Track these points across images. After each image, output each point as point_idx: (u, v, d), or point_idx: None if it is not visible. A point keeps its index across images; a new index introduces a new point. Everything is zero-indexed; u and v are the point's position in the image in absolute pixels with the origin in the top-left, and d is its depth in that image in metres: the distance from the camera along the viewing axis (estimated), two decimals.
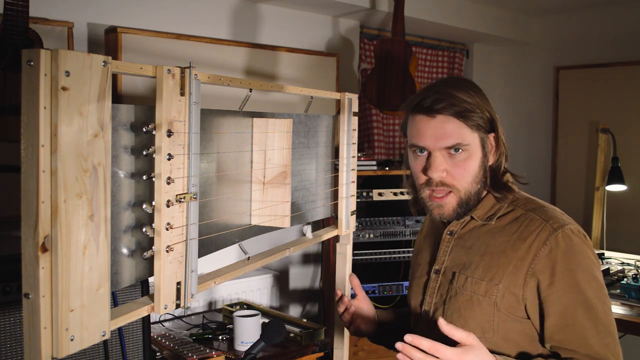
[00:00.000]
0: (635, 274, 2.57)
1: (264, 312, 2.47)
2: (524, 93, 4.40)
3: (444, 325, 1.06)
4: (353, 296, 1.57)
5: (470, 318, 1.23)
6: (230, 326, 2.32)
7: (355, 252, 2.81)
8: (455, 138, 1.22)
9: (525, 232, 1.21)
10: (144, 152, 0.98)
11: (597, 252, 3.19)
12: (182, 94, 1.01)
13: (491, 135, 1.27)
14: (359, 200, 2.84)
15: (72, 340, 0.82)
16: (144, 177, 0.98)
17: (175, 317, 2.55)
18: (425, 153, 1.25)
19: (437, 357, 1.03)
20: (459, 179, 1.24)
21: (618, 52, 3.87)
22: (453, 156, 1.23)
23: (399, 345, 1.04)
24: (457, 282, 1.27)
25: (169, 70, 0.98)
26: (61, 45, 2.25)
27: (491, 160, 1.28)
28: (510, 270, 1.20)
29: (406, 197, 2.93)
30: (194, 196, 1.04)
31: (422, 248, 1.46)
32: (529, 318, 1.20)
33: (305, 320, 2.44)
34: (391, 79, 3.05)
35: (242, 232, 1.32)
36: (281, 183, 1.38)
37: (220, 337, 2.31)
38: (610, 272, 2.80)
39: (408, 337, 1.03)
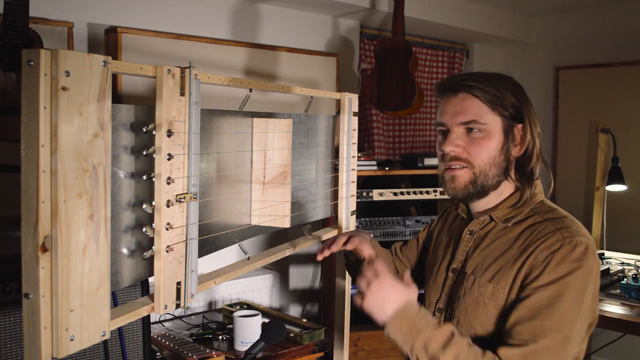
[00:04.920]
0: (635, 274, 2.57)
1: (264, 312, 2.47)
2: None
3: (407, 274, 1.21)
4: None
5: (475, 319, 1.23)
6: (230, 326, 2.32)
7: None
8: (472, 115, 1.23)
9: (536, 237, 1.20)
10: (144, 152, 0.98)
11: (596, 252, 3.20)
12: (182, 94, 1.01)
13: (519, 126, 1.26)
14: (359, 200, 2.84)
15: (72, 340, 0.82)
16: (144, 177, 0.98)
17: (175, 317, 2.55)
18: (447, 131, 1.27)
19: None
20: (474, 155, 1.24)
21: (618, 52, 3.87)
22: (470, 134, 1.24)
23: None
24: (466, 283, 1.27)
25: (169, 70, 0.98)
26: (61, 45, 2.25)
27: (516, 152, 1.26)
28: (515, 273, 1.19)
29: (406, 197, 2.94)
30: (194, 196, 1.04)
31: (440, 243, 1.45)
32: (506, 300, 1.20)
33: (305, 320, 2.44)
34: (391, 79, 3.05)
35: (242, 232, 1.32)
36: (281, 183, 1.38)
37: (220, 337, 2.31)
38: (610, 272, 2.80)
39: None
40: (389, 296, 1.14)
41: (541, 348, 1.10)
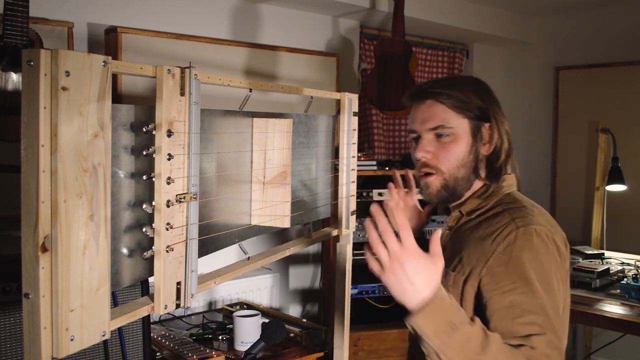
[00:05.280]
0: (635, 274, 2.57)
1: (264, 312, 2.47)
2: (524, 93, 4.40)
3: (436, 234, 1.04)
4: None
5: None
6: (230, 326, 2.32)
7: (355, 252, 2.81)
8: (438, 120, 1.28)
9: (494, 228, 1.23)
10: (144, 152, 0.98)
11: (596, 252, 3.20)
12: (182, 94, 1.02)
13: (486, 125, 1.30)
14: (359, 200, 2.84)
15: (72, 340, 0.83)
16: (144, 177, 0.98)
17: (175, 317, 2.55)
18: (418, 137, 1.32)
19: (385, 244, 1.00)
20: (442, 161, 1.29)
21: (618, 52, 3.87)
22: (439, 139, 1.29)
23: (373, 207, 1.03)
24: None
25: (169, 70, 0.98)
26: (61, 45, 2.25)
27: (485, 150, 1.31)
28: (474, 263, 1.21)
29: None
30: (194, 196, 1.04)
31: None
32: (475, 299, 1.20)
33: (305, 320, 2.44)
34: (391, 79, 3.05)
35: (242, 232, 1.32)
36: (281, 183, 1.38)
37: (220, 337, 2.31)
38: (610, 272, 2.80)
39: (374, 208, 1.02)
40: (416, 280, 0.99)
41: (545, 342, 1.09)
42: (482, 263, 1.20)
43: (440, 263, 1.03)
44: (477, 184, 1.33)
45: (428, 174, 1.31)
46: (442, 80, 1.33)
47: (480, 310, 1.19)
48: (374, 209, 1.04)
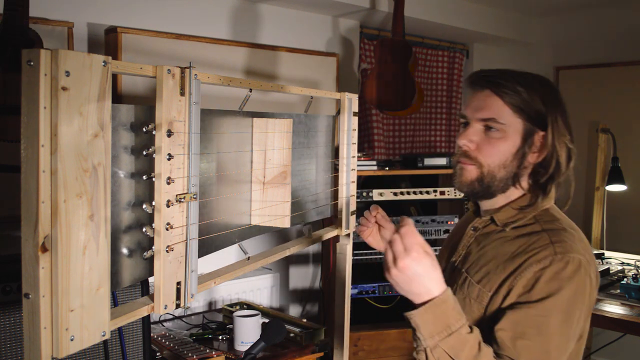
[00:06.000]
0: (635, 274, 2.57)
1: (264, 312, 2.47)
2: None
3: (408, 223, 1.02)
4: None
5: None
6: (230, 326, 2.32)
7: (355, 252, 2.81)
8: (492, 113, 1.21)
9: (529, 248, 1.17)
10: (144, 152, 0.98)
11: (596, 252, 3.20)
12: (182, 94, 1.02)
13: (541, 132, 1.22)
14: (359, 200, 2.84)
15: (72, 340, 0.83)
16: (144, 177, 0.98)
17: (175, 317, 2.55)
18: (467, 123, 1.26)
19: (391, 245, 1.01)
20: (484, 155, 1.22)
21: (618, 52, 3.87)
22: (487, 132, 1.22)
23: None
24: (459, 279, 1.26)
25: (169, 70, 0.98)
26: (61, 45, 2.25)
27: (534, 158, 1.23)
28: (502, 281, 1.17)
29: (406, 197, 2.94)
30: (194, 196, 1.04)
31: (450, 237, 1.44)
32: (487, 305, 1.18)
33: (305, 320, 2.44)
34: (391, 79, 3.05)
35: (242, 232, 1.32)
36: (281, 183, 1.38)
37: (220, 337, 2.31)
38: (610, 272, 2.80)
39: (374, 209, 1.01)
40: (419, 280, 1.00)
41: None
42: (510, 283, 1.15)
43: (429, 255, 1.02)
44: (515, 193, 1.26)
45: (465, 162, 1.24)
46: (509, 73, 1.23)
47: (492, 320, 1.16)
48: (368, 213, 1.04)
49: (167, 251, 1.00)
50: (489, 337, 1.12)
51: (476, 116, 1.23)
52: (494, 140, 1.21)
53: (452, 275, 1.29)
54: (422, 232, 2.98)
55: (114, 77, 2.34)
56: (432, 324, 1.01)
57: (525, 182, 1.25)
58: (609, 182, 3.45)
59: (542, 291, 1.11)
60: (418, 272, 1.00)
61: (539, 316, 1.10)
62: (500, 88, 1.21)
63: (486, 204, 1.30)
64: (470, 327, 1.06)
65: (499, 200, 1.27)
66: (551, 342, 1.09)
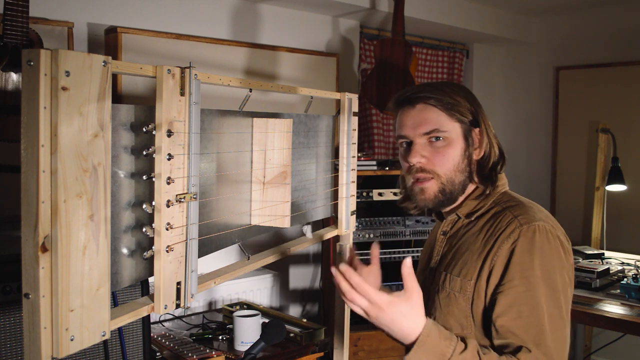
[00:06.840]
0: (635, 274, 2.57)
1: (264, 312, 2.47)
2: (524, 93, 4.40)
3: (407, 266, 1.07)
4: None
5: (449, 314, 1.25)
6: (230, 326, 2.32)
7: (355, 252, 2.80)
8: (433, 124, 1.27)
9: (497, 229, 1.23)
10: (144, 152, 0.98)
11: (596, 252, 3.20)
12: (182, 94, 1.02)
13: (476, 130, 1.30)
14: (359, 200, 2.84)
15: (72, 340, 0.82)
16: (144, 177, 0.98)
17: (175, 317, 2.55)
18: (409, 143, 1.31)
19: (362, 296, 1.05)
20: (439, 165, 1.27)
21: (618, 52, 3.87)
22: (433, 144, 1.28)
23: (333, 269, 1.07)
24: (439, 280, 1.30)
25: (169, 70, 0.98)
26: (61, 45, 2.25)
27: (476, 154, 1.31)
28: (480, 266, 1.22)
29: None
30: (194, 196, 1.04)
31: (425, 249, 1.49)
32: (472, 298, 1.22)
33: (305, 320, 2.44)
34: (391, 79, 3.05)
35: (242, 232, 1.32)
36: (281, 183, 1.38)
37: (220, 337, 2.31)
38: (610, 272, 2.80)
39: (342, 267, 1.06)
40: (400, 326, 1.08)
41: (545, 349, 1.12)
42: (489, 264, 1.20)
43: (417, 296, 1.08)
44: (470, 187, 1.33)
45: (423, 180, 1.29)
46: (430, 85, 1.31)
47: (487, 310, 1.21)
48: (335, 274, 1.07)
49: (167, 251, 1.00)
50: (484, 327, 1.18)
51: (418, 132, 1.28)
52: (441, 149, 1.27)
53: (434, 280, 1.33)
54: (422, 232, 2.99)
55: (114, 77, 2.34)
56: (427, 358, 1.07)
57: (475, 176, 1.32)
58: (609, 182, 3.45)
59: (520, 266, 1.16)
60: (392, 319, 1.06)
61: (527, 291, 1.15)
62: (430, 99, 1.27)
63: (447, 207, 1.36)
64: (464, 342, 1.10)
65: (459, 199, 1.34)
66: (546, 312, 1.14)
